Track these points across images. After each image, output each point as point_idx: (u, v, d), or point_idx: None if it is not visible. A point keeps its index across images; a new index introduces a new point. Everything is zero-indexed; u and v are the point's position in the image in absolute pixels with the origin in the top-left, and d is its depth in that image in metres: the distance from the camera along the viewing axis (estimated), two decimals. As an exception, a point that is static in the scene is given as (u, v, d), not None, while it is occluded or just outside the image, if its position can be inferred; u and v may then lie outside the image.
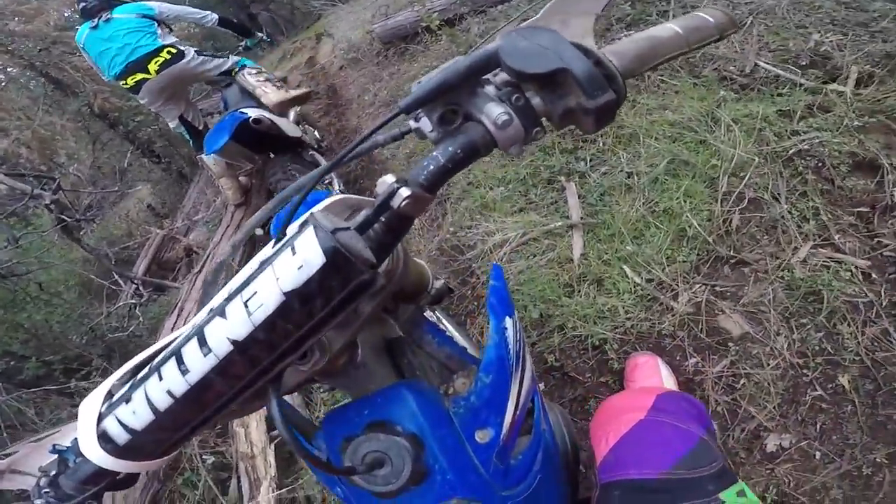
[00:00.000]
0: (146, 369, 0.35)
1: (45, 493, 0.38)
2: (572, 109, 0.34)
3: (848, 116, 1.73)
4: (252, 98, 2.62)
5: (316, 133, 3.08)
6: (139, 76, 2.49)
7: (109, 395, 0.37)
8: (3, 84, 4.70)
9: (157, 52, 2.49)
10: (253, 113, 2.22)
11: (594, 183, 1.98)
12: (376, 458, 0.43)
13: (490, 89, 0.36)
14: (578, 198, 1.96)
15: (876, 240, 1.44)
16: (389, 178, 0.36)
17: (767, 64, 2.07)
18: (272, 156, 2.49)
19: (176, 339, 0.35)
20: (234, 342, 0.31)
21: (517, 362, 0.51)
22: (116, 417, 0.34)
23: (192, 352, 0.32)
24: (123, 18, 2.48)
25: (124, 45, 2.44)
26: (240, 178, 3.02)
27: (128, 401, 0.34)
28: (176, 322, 2.45)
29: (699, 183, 1.74)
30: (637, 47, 0.38)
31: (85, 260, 4.29)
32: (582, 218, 1.88)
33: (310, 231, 0.31)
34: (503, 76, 0.36)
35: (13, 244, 2.78)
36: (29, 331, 2.92)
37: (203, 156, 2.84)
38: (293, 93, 2.57)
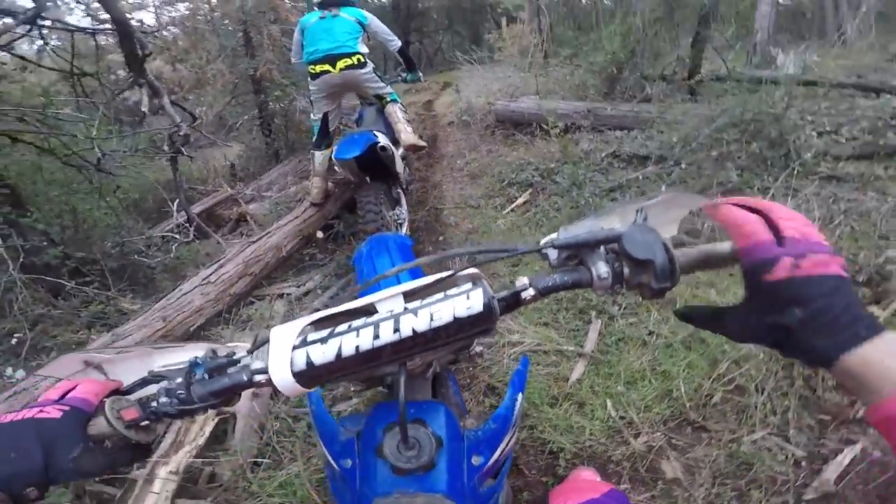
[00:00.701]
0: (345, 327, 0.51)
1: (178, 395, 0.51)
2: (643, 284, 0.51)
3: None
4: (384, 124, 3.02)
5: (407, 173, 3.36)
6: (326, 67, 2.90)
7: (302, 332, 0.52)
8: (208, 24, 5.45)
9: (350, 55, 2.91)
10: (382, 140, 2.59)
11: (618, 328, 2.25)
12: (411, 441, 0.62)
13: (602, 251, 0.53)
14: (598, 335, 2.24)
15: (822, 440, 1.70)
16: (525, 280, 0.55)
17: None
18: (368, 180, 2.77)
19: (371, 315, 0.52)
20: (414, 331, 0.49)
21: (514, 426, 0.74)
22: (307, 352, 0.50)
23: (386, 327, 0.50)
24: (345, 19, 2.95)
25: (335, 39, 2.89)
26: (329, 183, 3.35)
27: (323, 342, 0.50)
28: (211, 275, 2.61)
29: (704, 359, 2.01)
30: (698, 254, 0.52)
31: (155, 182, 4.74)
32: (593, 352, 2.15)
33: (480, 290, 0.51)
34: (613, 247, 0.53)
35: (130, 151, 3.16)
36: (75, 219, 3.17)
37: (316, 152, 3.22)
38: (421, 142, 3.02)
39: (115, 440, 0.51)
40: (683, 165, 3.09)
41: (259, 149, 6.03)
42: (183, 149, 3.42)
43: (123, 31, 2.97)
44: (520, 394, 0.77)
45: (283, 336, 0.52)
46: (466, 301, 0.50)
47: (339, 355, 0.49)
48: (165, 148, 3.45)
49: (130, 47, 3.04)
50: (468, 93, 6.20)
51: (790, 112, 3.01)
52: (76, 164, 3.33)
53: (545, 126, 3.94)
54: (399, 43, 3.25)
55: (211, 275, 2.62)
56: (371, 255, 1.32)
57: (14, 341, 2.53)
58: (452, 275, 0.55)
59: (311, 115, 3.30)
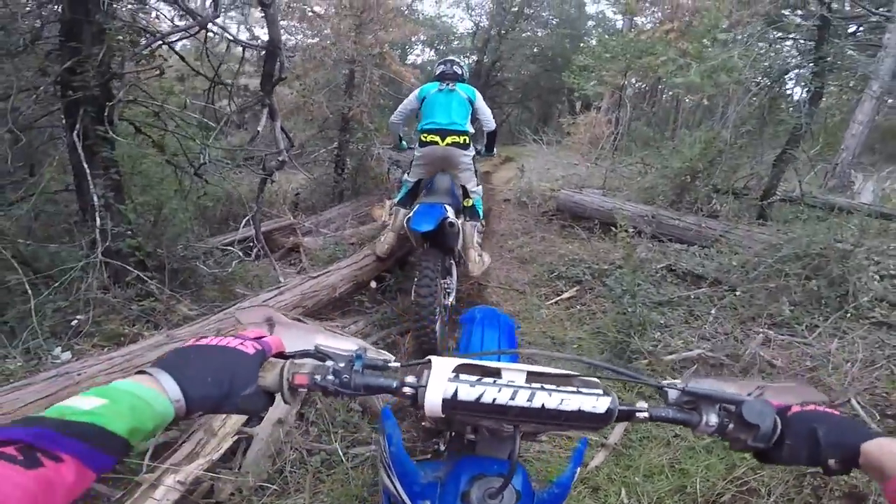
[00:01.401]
0: (491, 381, 0.64)
1: (343, 377, 0.64)
2: (739, 439, 0.66)
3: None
4: (453, 195, 3.21)
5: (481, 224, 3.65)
6: (436, 139, 3.26)
7: (456, 370, 0.66)
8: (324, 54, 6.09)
9: (459, 133, 3.27)
10: (451, 216, 2.85)
11: (645, 426, 2.40)
12: (497, 494, 0.73)
13: (716, 406, 0.68)
14: (625, 430, 2.40)
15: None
16: (644, 405, 0.71)
17: (858, 404, 2.41)
18: (426, 245, 2.99)
19: (515, 382, 0.66)
20: (543, 406, 0.63)
21: (569, 493, 0.89)
22: (458, 386, 0.63)
23: (523, 395, 0.63)
24: (459, 95, 3.36)
25: (449, 115, 3.28)
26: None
27: (472, 385, 0.63)
28: (270, 299, 2.88)
29: (722, 463, 2.12)
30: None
31: (227, 195, 5.22)
32: (616, 444, 2.31)
33: (609, 398, 0.64)
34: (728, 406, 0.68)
35: (232, 164, 3.57)
36: (158, 215, 3.53)
37: (402, 209, 3.46)
38: (484, 268, 3.32)
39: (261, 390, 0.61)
40: (738, 293, 3.20)
41: (326, 184, 6.56)
42: (275, 172, 3.82)
43: (272, 51, 3.27)
44: (578, 467, 0.93)
45: (443, 366, 0.65)
46: (595, 401, 0.62)
47: (479, 399, 0.62)
48: (260, 168, 3.85)
49: (271, 68, 3.36)
50: (531, 172, 6.57)
51: (858, 252, 3.08)
52: (177, 164, 3.80)
53: (606, 224, 4.18)
54: (494, 126, 3.60)
55: (270, 299, 2.90)
56: (483, 324, 1.58)
57: (75, 322, 2.71)
58: (577, 376, 0.69)
59: (406, 175, 3.63)
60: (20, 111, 2.80)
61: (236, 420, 2.22)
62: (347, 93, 5.98)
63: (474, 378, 0.65)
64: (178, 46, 3.71)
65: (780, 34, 4.02)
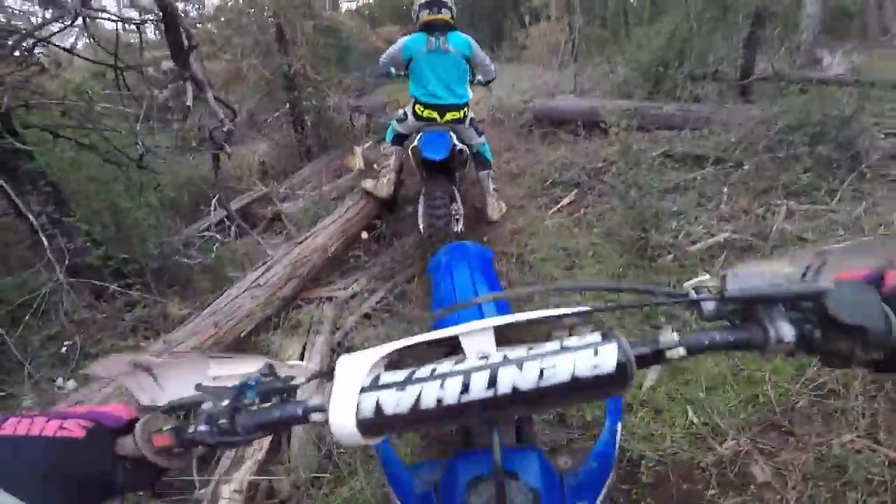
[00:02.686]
0: (427, 371, 0.40)
1: (220, 423, 0.43)
2: (843, 352, 0.39)
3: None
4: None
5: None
6: (434, 115, 2.86)
7: (374, 369, 0.42)
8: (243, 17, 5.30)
9: (459, 108, 2.87)
10: (458, 143, 2.70)
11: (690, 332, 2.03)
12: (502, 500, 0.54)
13: (781, 307, 0.41)
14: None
15: (918, 443, 1.58)
16: (674, 335, 0.44)
17: None
18: (427, 176, 2.80)
19: (457, 357, 0.44)
20: (515, 389, 0.38)
21: (614, 463, 0.67)
22: (378, 398, 0.39)
23: (478, 380, 0.38)
24: (454, 56, 2.81)
25: (449, 88, 2.82)
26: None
27: (399, 388, 0.39)
28: (259, 277, 2.52)
29: (789, 364, 1.92)
30: None
31: (190, 179, 4.66)
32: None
33: (613, 345, 0.40)
34: (803, 305, 0.41)
35: (172, 147, 3.06)
36: (116, 218, 3.09)
37: (398, 148, 3.18)
38: (503, 212, 3.21)
39: (138, 462, 0.45)
40: (746, 167, 2.88)
41: (290, 146, 5.91)
42: (225, 145, 3.30)
43: (170, 21, 2.82)
44: (618, 423, 0.69)
45: (351, 372, 0.42)
46: (593, 358, 0.39)
47: (415, 407, 0.39)
48: (203, 144, 3.35)
49: (176, 38, 2.89)
50: (498, 91, 6.02)
51: (860, 115, 2.80)
52: (117, 161, 3.24)
53: (588, 124, 3.77)
54: (494, 76, 3.20)
55: (259, 277, 2.50)
56: (450, 266, 1.22)
57: (64, 349, 2.44)
58: (566, 315, 0.44)
59: (395, 121, 3.21)
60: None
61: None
62: (282, 50, 5.20)
63: (401, 375, 0.41)
64: (62, 40, 3.06)
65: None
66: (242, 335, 2.36)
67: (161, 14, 2.80)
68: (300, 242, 2.82)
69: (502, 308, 1.03)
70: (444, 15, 2.82)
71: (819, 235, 2.45)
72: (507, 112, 5.12)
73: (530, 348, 0.40)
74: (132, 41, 3.97)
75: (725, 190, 2.82)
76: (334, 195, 4.70)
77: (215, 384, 0.49)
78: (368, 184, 3.28)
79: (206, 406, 0.45)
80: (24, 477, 0.39)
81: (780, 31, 4.79)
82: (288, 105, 5.62)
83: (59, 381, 2.22)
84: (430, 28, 2.83)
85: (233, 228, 3.64)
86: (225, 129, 3.21)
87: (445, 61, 2.81)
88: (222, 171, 3.49)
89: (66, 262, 2.51)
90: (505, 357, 0.39)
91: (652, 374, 1.69)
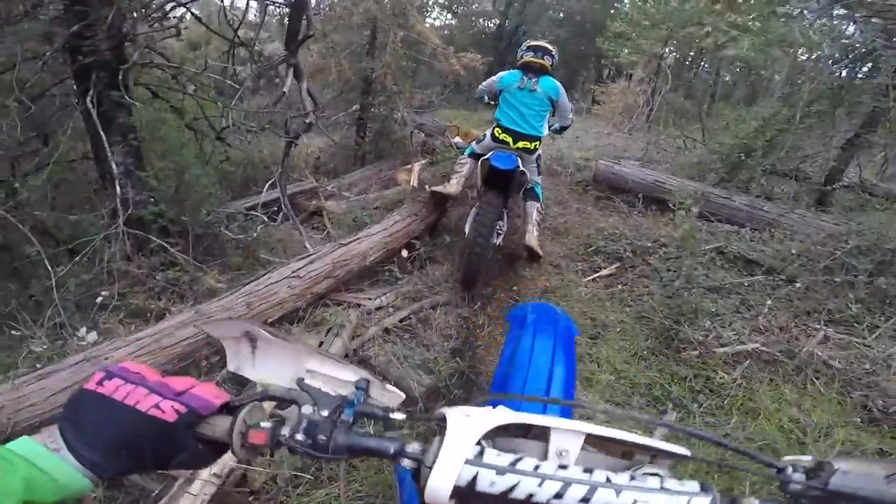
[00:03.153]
0: (530, 466, 0.43)
1: (318, 438, 0.46)
2: None
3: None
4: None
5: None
6: (508, 139, 3.23)
7: (482, 441, 0.45)
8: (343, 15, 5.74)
9: (533, 139, 3.24)
10: (521, 166, 3.05)
11: (691, 424, 2.26)
12: None
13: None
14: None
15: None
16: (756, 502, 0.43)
17: None
18: (485, 189, 3.15)
19: (565, 455, 0.46)
20: None
21: None
22: (478, 472, 0.42)
23: (575, 492, 0.41)
24: (541, 97, 3.22)
25: (527, 120, 3.21)
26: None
27: (500, 472, 0.42)
28: (300, 269, 2.71)
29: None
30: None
31: (247, 158, 5.01)
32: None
33: (708, 499, 0.42)
34: None
35: (256, 127, 3.37)
36: (180, 181, 3.37)
37: (467, 158, 3.59)
38: (538, 250, 3.37)
39: (212, 445, 0.48)
40: (797, 284, 2.94)
41: (347, 147, 6.28)
42: (301, 134, 3.59)
43: (298, 6, 3.04)
44: None
45: (463, 437, 0.44)
46: (678, 500, 0.41)
47: (507, 493, 0.42)
48: (284, 131, 3.64)
49: (296, 26, 3.13)
50: (561, 142, 6.23)
51: None
52: (199, 129, 3.58)
53: (647, 198, 3.89)
54: (571, 122, 3.60)
55: (301, 269, 2.72)
56: (535, 328, 1.24)
57: (100, 299, 2.59)
58: (659, 451, 0.47)
59: (474, 142, 3.65)
60: (27, 81, 2.60)
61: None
62: (370, 54, 5.59)
63: (506, 460, 0.43)
64: (195, 7, 3.44)
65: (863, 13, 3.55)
66: (269, 321, 2.57)
67: None
68: (345, 244, 3.04)
69: (567, 394, 1.10)
70: (545, 61, 3.28)
71: (846, 365, 2.50)
72: (565, 165, 5.29)
73: (630, 472, 0.44)
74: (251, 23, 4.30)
75: (769, 303, 2.89)
76: (377, 204, 4.97)
77: (312, 382, 0.52)
78: (438, 186, 3.65)
79: (307, 411, 0.48)
80: (104, 439, 0.43)
81: (885, 135, 4.72)
82: (358, 108, 6.02)
83: (82, 331, 2.37)
84: (527, 68, 3.28)
85: (280, 214, 3.90)
86: (308, 122, 3.52)
87: (531, 99, 3.21)
88: (288, 158, 3.78)
89: (129, 211, 2.78)
90: (608, 478, 0.42)
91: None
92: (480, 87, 3.61)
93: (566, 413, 1.06)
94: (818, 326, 2.80)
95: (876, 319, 2.80)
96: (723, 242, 3.44)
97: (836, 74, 3.85)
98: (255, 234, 3.47)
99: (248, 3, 3.35)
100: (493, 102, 3.51)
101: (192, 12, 3.26)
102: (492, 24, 14.59)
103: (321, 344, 2.64)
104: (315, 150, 6.46)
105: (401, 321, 2.96)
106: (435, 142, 6.76)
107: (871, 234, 3.00)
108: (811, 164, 4.35)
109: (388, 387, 0.55)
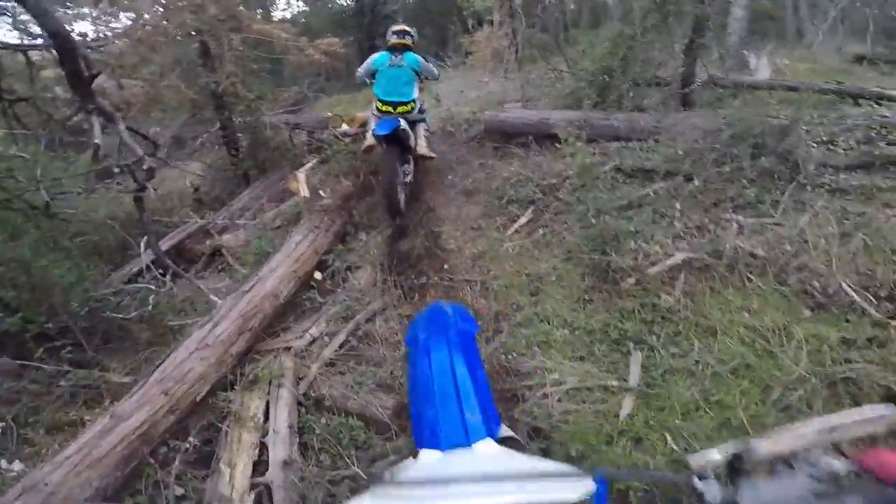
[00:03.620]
0: None
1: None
2: None
3: (896, 354, 2.04)
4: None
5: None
6: (389, 109, 3.80)
7: None
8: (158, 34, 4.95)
9: (407, 103, 3.83)
10: (404, 124, 3.63)
11: (661, 360, 2.31)
12: None
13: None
14: (641, 367, 2.29)
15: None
16: None
17: (849, 287, 2.41)
18: (385, 147, 3.69)
19: None
20: None
21: None
22: None
23: None
24: (407, 70, 3.85)
25: (399, 91, 3.81)
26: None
27: None
28: (207, 336, 2.39)
29: (755, 385, 2.10)
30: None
31: (113, 218, 4.35)
32: (639, 385, 2.20)
33: None
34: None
35: (85, 191, 2.86)
36: (30, 277, 2.84)
37: (370, 134, 3.91)
38: (430, 153, 4.02)
39: None
40: (696, 182, 3.10)
41: (224, 170, 5.67)
42: (147, 184, 3.12)
43: (64, 47, 2.58)
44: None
45: None
46: None
47: None
48: (123, 183, 3.15)
49: (73, 66, 2.67)
50: (446, 100, 6.09)
51: (795, 125, 3.09)
52: (20, 209, 2.99)
53: (539, 137, 3.90)
54: (438, 75, 4.29)
55: (206, 336, 2.39)
56: (427, 345, 1.17)
57: None
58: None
59: (371, 114, 4.11)
60: None
61: (242, 472, 2.07)
62: (207, 67, 4.96)
63: None
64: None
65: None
66: (198, 399, 2.26)
67: (52, 40, 2.58)
68: (248, 290, 2.71)
69: (480, 395, 1.04)
70: (406, 41, 3.99)
71: (769, 252, 2.66)
72: (457, 124, 5.17)
73: None
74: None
75: (678, 206, 3.02)
76: (278, 223, 4.57)
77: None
78: (368, 142, 3.97)
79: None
80: None
81: (712, 37, 5.10)
82: (219, 126, 5.40)
83: (3, 463, 2.15)
84: (393, 49, 3.93)
85: (168, 274, 3.44)
86: (145, 168, 3.04)
87: (399, 73, 3.86)
88: (146, 214, 3.29)
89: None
90: None
91: (627, 403, 1.80)
92: (358, 72, 4.12)
93: (489, 412, 1.05)
94: (729, 216, 2.97)
95: (774, 196, 3.00)
96: (616, 161, 3.54)
97: None
98: (149, 307, 3.03)
99: None
100: (370, 81, 4.01)
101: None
102: (349, 2, 13.80)
103: (267, 404, 2.39)
104: (192, 182, 5.77)
105: (341, 347, 2.75)
106: (322, 136, 6.33)
107: (740, 124, 3.21)
108: (664, 71, 4.61)
109: None
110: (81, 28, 6.34)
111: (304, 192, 3.67)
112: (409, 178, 4.06)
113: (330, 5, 13.94)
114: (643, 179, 3.40)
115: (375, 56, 4.00)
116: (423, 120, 4.19)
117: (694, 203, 3.10)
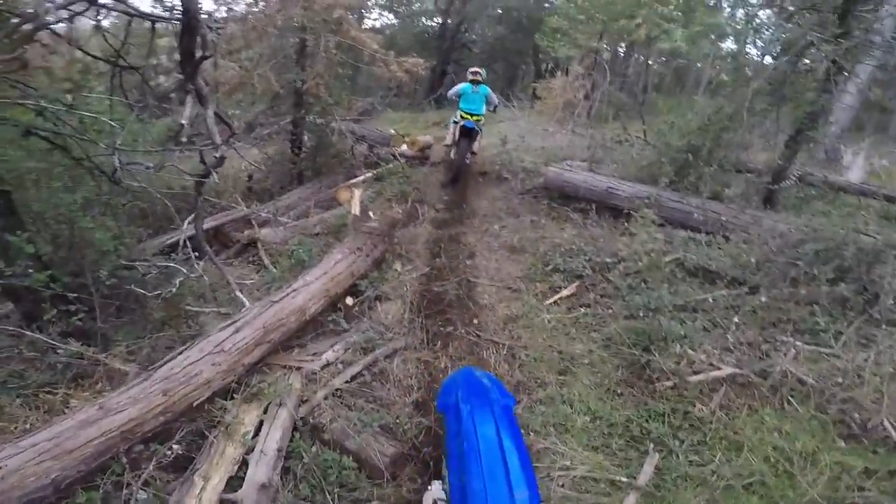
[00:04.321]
0: None
1: None
2: None
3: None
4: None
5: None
6: (468, 117, 5.55)
7: None
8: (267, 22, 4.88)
9: (480, 116, 5.65)
10: (476, 127, 5.56)
11: (676, 464, 2.17)
12: None
13: None
14: (655, 468, 2.16)
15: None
16: None
17: (892, 426, 2.24)
18: (460, 137, 5.63)
19: None
20: None
21: None
22: None
23: None
24: (481, 95, 5.64)
25: (477, 106, 5.62)
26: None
27: None
28: (225, 341, 2.30)
29: (763, 501, 2.01)
30: None
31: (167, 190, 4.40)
32: (647, 485, 2.08)
33: None
34: None
35: (153, 168, 2.88)
36: (71, 236, 2.84)
37: (452, 124, 5.93)
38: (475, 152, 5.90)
39: None
40: (763, 299, 2.85)
41: (283, 163, 5.73)
42: (213, 172, 3.12)
43: (189, 24, 2.57)
44: None
45: None
46: None
47: None
48: (193, 157, 3.15)
49: (190, 45, 2.64)
50: (509, 144, 6.02)
51: (889, 253, 2.82)
52: (89, 168, 3.01)
53: (601, 205, 3.73)
54: (497, 103, 6.04)
55: (225, 341, 2.30)
56: (471, 410, 1.22)
57: None
58: None
59: (452, 120, 5.97)
60: None
61: (214, 486, 1.94)
62: (299, 64, 5.04)
63: None
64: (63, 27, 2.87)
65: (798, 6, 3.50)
66: (195, 404, 2.15)
67: (181, 15, 2.59)
68: (277, 301, 2.62)
69: (523, 463, 1.10)
70: (478, 77, 5.68)
71: (819, 380, 2.44)
72: (514, 171, 5.06)
73: None
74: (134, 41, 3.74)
75: (735, 320, 2.78)
76: (318, 230, 4.53)
77: None
78: (446, 141, 6.11)
79: None
80: None
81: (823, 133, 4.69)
82: (291, 122, 5.48)
83: None
84: (472, 82, 5.66)
85: (201, 258, 3.41)
86: (217, 155, 3.04)
87: (477, 95, 5.65)
88: (201, 198, 3.28)
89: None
90: None
91: (630, 501, 1.61)
92: (450, 92, 6.00)
93: (533, 489, 1.08)
94: (786, 339, 2.71)
95: (839, 325, 2.74)
96: (681, 254, 3.31)
97: (776, 69, 3.82)
98: (173, 289, 2.99)
99: (129, 22, 2.79)
100: (456, 99, 5.79)
101: (55, 33, 2.67)
102: (434, 24, 14.23)
103: (262, 422, 2.27)
104: (247, 167, 5.84)
105: (353, 378, 2.61)
106: (380, 151, 6.35)
107: (826, 240, 2.96)
108: (749, 155, 4.34)
109: None
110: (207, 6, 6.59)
111: (356, 209, 3.61)
112: (468, 161, 5.93)
113: (417, 24, 14.34)
114: (704, 280, 3.17)
115: (462, 85, 5.77)
116: (481, 131, 6.00)
117: (753, 319, 2.85)
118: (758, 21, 5.14)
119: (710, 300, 2.93)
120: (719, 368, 2.56)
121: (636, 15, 6.37)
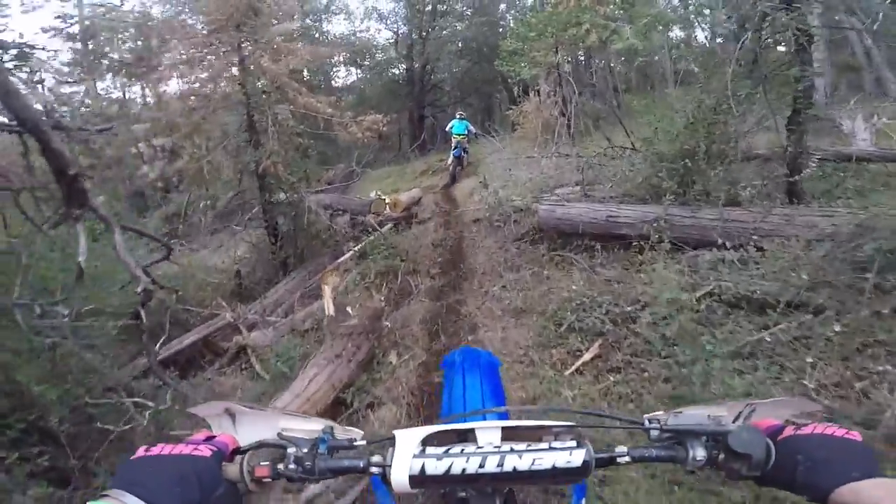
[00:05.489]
0: (458, 450, 0.61)
1: (305, 464, 0.60)
2: (733, 469, 0.58)
3: None
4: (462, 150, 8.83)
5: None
6: (458, 138, 8.71)
7: (422, 443, 0.62)
8: (213, 109, 4.39)
9: (464, 136, 8.89)
10: (463, 155, 8.94)
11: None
12: None
13: (704, 439, 0.62)
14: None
15: None
16: (623, 448, 0.63)
17: None
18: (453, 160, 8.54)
19: (475, 442, 0.64)
20: (514, 469, 0.59)
21: None
22: (424, 462, 0.60)
23: (492, 460, 0.59)
24: (464, 123, 8.98)
25: (461, 131, 8.85)
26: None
27: (438, 458, 0.60)
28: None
29: None
30: None
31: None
32: None
33: (583, 451, 0.60)
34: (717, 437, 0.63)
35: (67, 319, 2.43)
36: (11, 386, 2.39)
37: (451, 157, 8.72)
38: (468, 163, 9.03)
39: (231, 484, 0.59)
40: (837, 328, 2.18)
41: (266, 252, 5.29)
42: (141, 310, 2.61)
43: (39, 137, 2.03)
44: (583, 499, 0.82)
45: (407, 441, 0.61)
46: (568, 456, 0.58)
47: (448, 471, 0.59)
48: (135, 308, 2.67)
49: (57, 161, 2.13)
50: (494, 181, 5.50)
51: None
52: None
53: (604, 237, 3.14)
54: (475, 132, 9.30)
55: None
56: (463, 368, 1.38)
57: None
58: (553, 427, 0.63)
59: (452, 151, 8.71)
60: None
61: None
62: (251, 142, 4.63)
63: (441, 450, 0.61)
64: None
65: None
66: None
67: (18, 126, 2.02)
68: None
69: (503, 416, 1.09)
70: (462, 117, 9.08)
71: None
72: (505, 215, 4.50)
73: (528, 445, 0.61)
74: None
75: (809, 360, 2.11)
76: (307, 325, 4.03)
77: (289, 434, 0.64)
78: (444, 182, 8.75)
79: (291, 450, 0.61)
80: (163, 485, 0.52)
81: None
82: (259, 208, 5.05)
83: None
84: (460, 119, 8.98)
85: (167, 397, 2.89)
86: (139, 291, 2.52)
87: (462, 125, 8.89)
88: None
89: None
90: (511, 448, 0.60)
91: None
92: (446, 129, 9.10)
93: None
94: (881, 368, 2.04)
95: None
96: (711, 283, 2.67)
97: (742, 49, 3.23)
98: (143, 422, 2.47)
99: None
100: (449, 130, 8.79)
101: None
102: (400, 71, 14.20)
103: None
104: (234, 260, 5.39)
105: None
106: (364, 220, 5.88)
107: (889, 230, 2.31)
108: (755, 143, 3.73)
109: (348, 428, 0.69)
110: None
111: (329, 309, 3.07)
112: (459, 170, 8.51)
113: (385, 74, 14.27)
114: (750, 311, 2.51)
115: (454, 121, 8.94)
116: (466, 149, 8.88)
117: (831, 351, 2.18)
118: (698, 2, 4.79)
119: (768, 338, 2.26)
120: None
121: (581, 21, 5.94)
